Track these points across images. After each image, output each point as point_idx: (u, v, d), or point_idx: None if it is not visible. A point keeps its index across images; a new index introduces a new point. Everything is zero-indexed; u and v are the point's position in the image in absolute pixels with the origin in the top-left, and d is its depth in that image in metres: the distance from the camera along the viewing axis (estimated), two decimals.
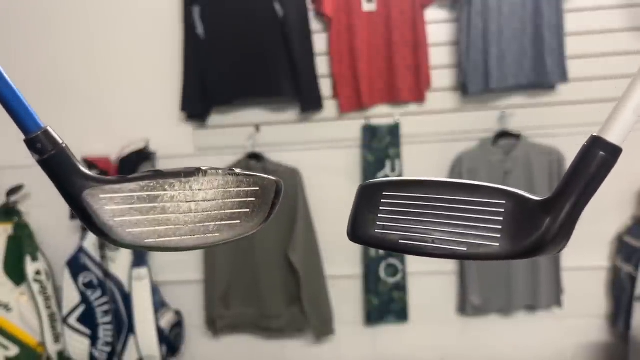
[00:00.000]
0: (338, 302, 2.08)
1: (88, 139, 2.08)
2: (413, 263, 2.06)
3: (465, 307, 2.04)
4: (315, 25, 2.02)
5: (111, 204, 0.40)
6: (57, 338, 2.06)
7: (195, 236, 0.43)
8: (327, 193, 2.03)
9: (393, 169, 2.01)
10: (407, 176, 1.99)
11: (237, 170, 0.46)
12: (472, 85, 1.92)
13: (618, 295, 2.00)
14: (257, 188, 0.47)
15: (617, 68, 1.82)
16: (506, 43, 1.90)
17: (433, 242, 0.43)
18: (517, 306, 2.02)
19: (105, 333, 2.02)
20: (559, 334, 2.08)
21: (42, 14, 2.12)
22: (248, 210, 0.46)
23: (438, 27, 2.01)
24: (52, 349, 2.05)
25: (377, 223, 0.46)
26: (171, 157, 2.08)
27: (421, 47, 1.96)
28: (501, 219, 0.42)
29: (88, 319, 2.03)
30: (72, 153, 0.40)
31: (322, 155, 2.09)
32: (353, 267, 2.11)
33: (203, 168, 0.43)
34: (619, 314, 1.98)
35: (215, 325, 2.10)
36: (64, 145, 0.40)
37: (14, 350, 2.02)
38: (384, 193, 0.47)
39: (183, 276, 2.16)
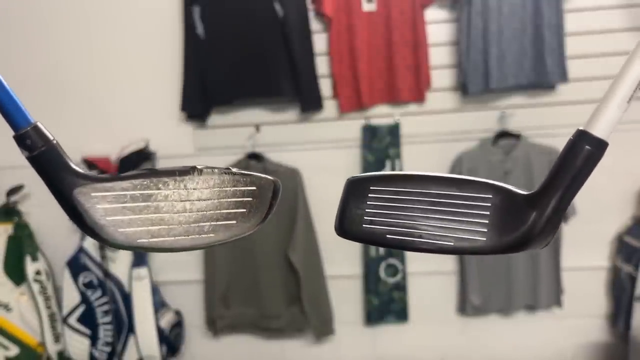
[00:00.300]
0: (338, 302, 2.08)
1: (88, 139, 2.08)
2: (413, 263, 2.06)
3: (465, 307, 2.04)
4: (315, 25, 2.02)
5: (103, 202, 0.39)
6: (57, 338, 2.06)
7: (190, 236, 0.42)
8: (327, 193, 2.01)
9: (393, 169, 2.01)
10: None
11: (234, 169, 0.44)
12: (472, 85, 1.92)
13: (618, 295, 2.00)
14: (254, 188, 0.45)
15: (617, 68, 1.80)
16: (506, 43, 1.89)
17: (420, 237, 0.43)
18: (517, 306, 2.02)
19: (105, 333, 2.02)
20: (559, 334, 2.08)
21: (42, 14, 2.12)
22: (245, 210, 0.45)
23: (438, 27, 2.01)
24: (52, 349, 2.05)
25: (365, 218, 0.46)
26: (171, 157, 2.08)
27: (421, 47, 1.96)
28: (488, 213, 0.42)
29: (88, 319, 2.03)
30: (63, 150, 0.39)
31: (322, 155, 2.09)
32: (353, 267, 2.11)
33: (198, 167, 0.42)
34: (619, 314, 1.98)
35: (215, 325, 2.10)
36: (54, 141, 0.39)
37: (14, 350, 2.02)
38: (371, 187, 0.46)
39: (183, 276, 2.16)
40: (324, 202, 2.03)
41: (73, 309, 2.03)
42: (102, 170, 1.99)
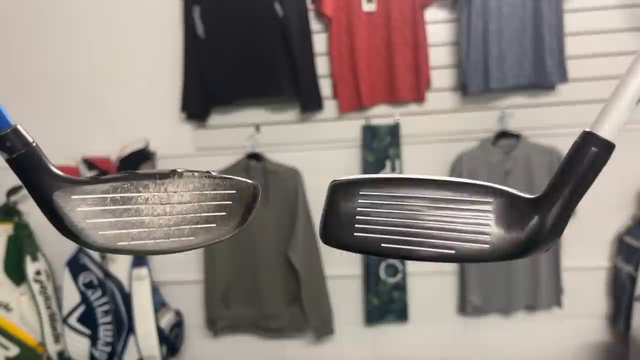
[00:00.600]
0: (338, 302, 2.08)
1: (88, 139, 2.08)
2: (413, 263, 2.06)
3: (465, 307, 2.04)
4: (315, 25, 2.02)
5: (83, 205, 0.39)
6: (57, 338, 2.06)
7: (170, 239, 0.42)
8: None
9: (393, 169, 2.01)
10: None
11: (214, 173, 0.45)
12: (472, 85, 1.92)
13: (618, 295, 1.99)
14: (234, 191, 0.46)
15: (617, 68, 1.81)
16: (506, 43, 1.89)
17: (419, 246, 0.41)
18: (517, 306, 2.02)
19: (105, 333, 2.02)
20: (559, 334, 2.08)
21: (42, 14, 2.12)
22: (224, 213, 0.45)
23: (438, 27, 2.01)
24: (52, 349, 2.05)
25: (356, 225, 0.43)
26: (171, 157, 2.08)
27: (421, 48, 1.96)
28: (490, 218, 0.39)
29: (88, 319, 2.03)
30: (43, 152, 0.39)
31: (322, 155, 2.09)
32: (353, 267, 2.11)
33: (179, 170, 0.43)
34: (619, 314, 1.98)
35: (216, 325, 2.10)
36: (34, 144, 0.39)
37: (14, 350, 2.02)
38: (361, 192, 0.43)
39: (183, 276, 2.16)
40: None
41: (73, 309, 2.03)
42: (102, 171, 1.99)
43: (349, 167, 2.07)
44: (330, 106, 2.04)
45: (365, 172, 2.02)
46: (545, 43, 1.87)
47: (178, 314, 2.14)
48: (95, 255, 2.00)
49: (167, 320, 2.06)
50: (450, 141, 2.02)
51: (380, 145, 2.01)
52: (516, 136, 1.96)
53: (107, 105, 2.15)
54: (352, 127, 2.04)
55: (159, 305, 2.06)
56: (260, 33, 1.97)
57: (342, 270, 2.10)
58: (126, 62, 2.13)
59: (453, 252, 0.40)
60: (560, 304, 2.00)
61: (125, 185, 0.40)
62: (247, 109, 2.08)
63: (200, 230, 0.43)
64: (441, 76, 2.02)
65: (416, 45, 1.96)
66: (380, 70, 1.99)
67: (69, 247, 2.04)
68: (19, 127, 0.38)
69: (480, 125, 2.00)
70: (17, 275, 2.01)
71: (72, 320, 2.03)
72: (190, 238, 0.43)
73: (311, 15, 2.00)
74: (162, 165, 2.08)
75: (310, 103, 2.00)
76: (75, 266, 2.01)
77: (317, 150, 2.09)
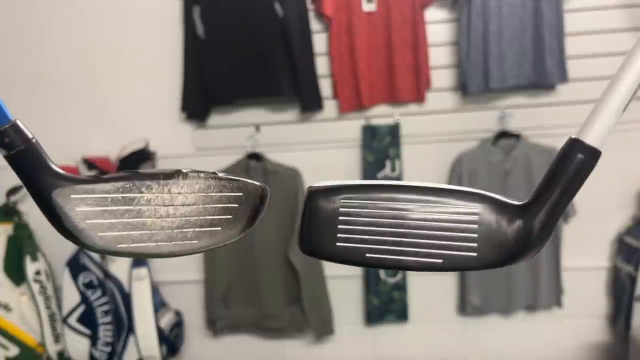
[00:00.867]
0: (338, 302, 2.08)
1: (88, 139, 2.08)
2: None
3: (465, 307, 2.04)
4: (315, 25, 2.02)
5: (83, 205, 0.37)
6: (57, 338, 2.06)
7: (172, 242, 0.40)
8: None
9: (393, 169, 2.01)
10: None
11: (220, 174, 0.43)
12: (472, 85, 1.92)
13: (618, 295, 1.99)
14: (241, 194, 0.43)
15: (617, 68, 1.81)
16: (506, 43, 1.89)
17: (405, 255, 0.39)
18: (517, 306, 2.02)
19: (105, 333, 2.02)
20: (559, 334, 2.08)
21: (42, 13, 2.12)
22: (230, 216, 0.43)
23: (438, 27, 2.00)
24: (52, 349, 2.05)
25: (338, 235, 0.41)
26: (171, 157, 2.08)
27: (421, 48, 1.95)
28: (477, 226, 0.39)
29: (88, 319, 2.03)
30: (43, 149, 0.38)
31: (322, 155, 2.09)
32: (353, 267, 2.10)
33: (183, 170, 0.41)
34: (619, 314, 1.98)
35: (216, 325, 2.10)
36: (34, 140, 0.38)
37: (14, 351, 2.02)
38: (342, 199, 0.41)
39: (183, 276, 2.16)
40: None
41: (73, 309, 2.03)
42: (102, 171, 1.99)
43: (349, 167, 2.07)
44: (330, 106, 2.04)
45: (365, 172, 2.02)
46: (545, 43, 1.87)
47: (178, 314, 2.14)
48: (95, 255, 2.00)
49: (167, 320, 2.06)
50: (450, 141, 2.02)
51: (380, 145, 2.01)
52: (516, 136, 1.96)
53: (107, 105, 2.15)
54: (352, 127, 2.04)
55: (159, 305, 2.06)
56: (260, 33, 1.97)
57: (342, 270, 2.10)
58: (126, 62, 2.13)
59: (440, 261, 0.39)
60: (561, 304, 2.00)
61: (128, 185, 0.38)
62: (247, 109, 2.08)
63: (204, 233, 0.42)
64: (441, 76, 2.02)
65: (416, 45, 1.96)
66: (380, 70, 1.99)
67: (69, 247, 2.04)
68: (18, 122, 0.37)
69: (480, 125, 2.00)
70: (17, 275, 2.01)
71: (72, 320, 2.03)
72: (194, 241, 0.41)
73: (311, 15, 2.00)
74: (162, 165, 2.08)
75: (310, 103, 2.00)
76: (75, 266, 2.01)
77: (317, 150, 2.09)
